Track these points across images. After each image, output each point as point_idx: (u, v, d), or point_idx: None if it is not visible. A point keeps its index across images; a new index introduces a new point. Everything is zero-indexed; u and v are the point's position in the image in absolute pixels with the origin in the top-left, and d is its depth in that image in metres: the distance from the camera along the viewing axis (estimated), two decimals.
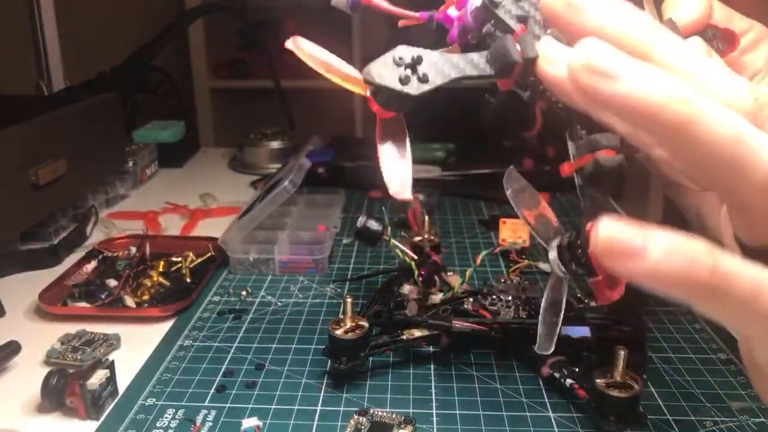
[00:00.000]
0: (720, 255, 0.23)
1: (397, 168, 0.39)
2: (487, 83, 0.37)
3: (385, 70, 0.33)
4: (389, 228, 0.57)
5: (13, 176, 0.66)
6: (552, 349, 0.39)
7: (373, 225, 0.57)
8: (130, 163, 0.95)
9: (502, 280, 0.58)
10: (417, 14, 0.40)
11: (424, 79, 0.33)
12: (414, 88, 0.33)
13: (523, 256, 0.66)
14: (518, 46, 0.33)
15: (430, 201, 0.84)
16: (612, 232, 0.23)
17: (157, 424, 0.42)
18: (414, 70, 0.33)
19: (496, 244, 0.69)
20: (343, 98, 1.99)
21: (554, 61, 0.29)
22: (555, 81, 0.29)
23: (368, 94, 0.35)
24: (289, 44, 0.37)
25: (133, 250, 0.69)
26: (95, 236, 0.76)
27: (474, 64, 0.34)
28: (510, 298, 0.53)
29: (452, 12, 0.39)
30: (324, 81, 0.39)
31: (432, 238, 0.64)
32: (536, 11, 0.35)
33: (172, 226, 0.80)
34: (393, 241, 0.56)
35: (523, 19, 0.34)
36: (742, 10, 0.43)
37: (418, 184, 0.88)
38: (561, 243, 0.38)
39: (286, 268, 0.65)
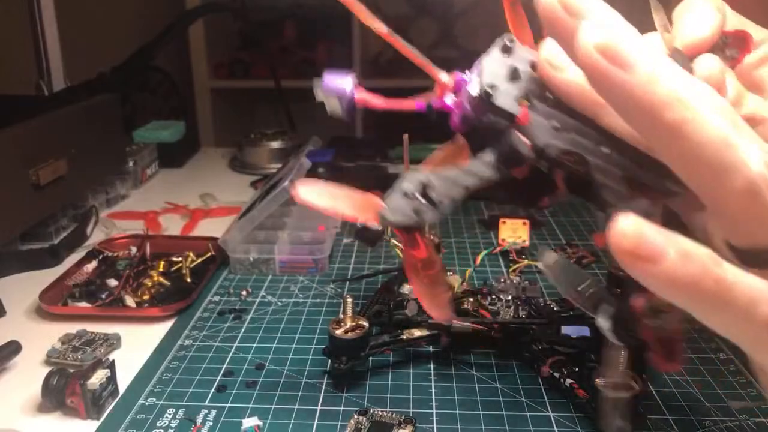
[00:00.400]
0: (723, 263, 0.23)
1: (429, 288, 0.38)
2: None
3: (398, 207, 0.33)
4: (389, 228, 0.57)
5: (13, 176, 0.66)
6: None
7: (373, 225, 0.57)
8: (131, 163, 0.95)
9: (502, 280, 0.58)
10: (414, 103, 0.39)
11: (437, 204, 0.33)
12: (429, 216, 0.33)
13: (523, 256, 0.66)
14: (524, 139, 0.33)
15: None
16: (638, 231, 0.23)
17: (158, 424, 0.42)
18: (426, 197, 0.33)
19: (496, 244, 0.69)
20: None
21: (560, 67, 0.30)
22: (562, 86, 0.30)
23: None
24: (295, 193, 0.36)
25: (134, 250, 0.69)
26: (95, 236, 0.76)
27: (487, 165, 0.34)
28: (510, 298, 0.53)
29: (449, 100, 0.38)
30: None
31: (432, 238, 0.64)
32: (534, 84, 0.34)
33: (172, 226, 0.80)
34: (393, 241, 0.57)
35: (524, 97, 0.34)
36: (744, 12, 0.42)
37: None
38: (612, 317, 0.36)
39: (287, 268, 0.65)
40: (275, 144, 1.07)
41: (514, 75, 0.34)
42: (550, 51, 0.31)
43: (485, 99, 0.34)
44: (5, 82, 1.05)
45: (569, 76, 0.29)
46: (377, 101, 0.39)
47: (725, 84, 0.37)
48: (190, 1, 1.80)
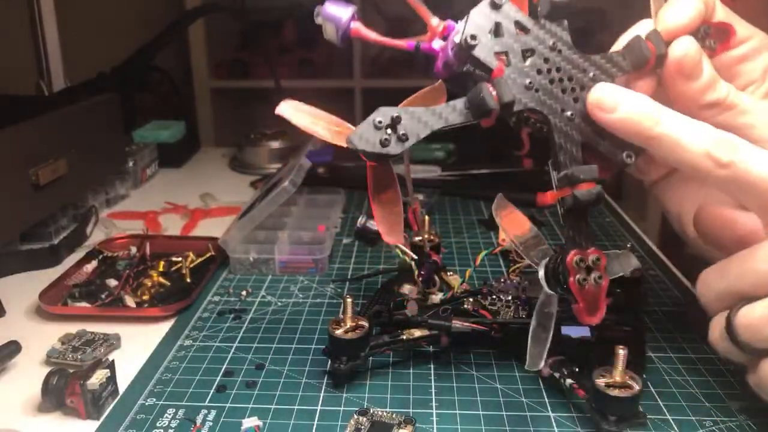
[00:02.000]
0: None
1: (387, 214, 0.42)
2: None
3: (366, 135, 0.36)
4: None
5: (13, 176, 0.66)
6: (541, 365, 0.40)
7: (373, 225, 0.58)
8: (131, 163, 0.95)
9: (502, 280, 0.58)
10: (405, 43, 0.41)
11: (403, 138, 0.36)
12: (393, 148, 0.36)
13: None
14: (494, 92, 0.36)
15: (430, 201, 0.84)
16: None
17: (158, 424, 0.42)
18: (394, 130, 0.36)
19: (496, 244, 0.69)
20: (343, 98, 1.99)
21: (609, 109, 0.37)
22: (609, 125, 0.37)
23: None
24: (278, 109, 0.40)
25: (134, 250, 0.69)
26: (95, 236, 0.76)
27: (456, 111, 0.36)
28: (510, 298, 0.53)
29: (436, 44, 0.40)
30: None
31: (432, 238, 0.64)
32: (516, 42, 0.37)
33: (172, 226, 0.80)
34: None
35: (503, 53, 0.37)
36: (746, 15, 0.43)
37: (418, 184, 0.89)
38: (547, 265, 0.39)
39: (286, 268, 0.65)
40: (275, 144, 1.07)
41: (497, 30, 0.37)
42: (597, 97, 0.38)
43: (465, 48, 0.36)
44: (5, 82, 1.04)
45: (615, 116, 0.37)
46: (371, 34, 0.41)
47: (701, 65, 0.39)
48: (190, 1, 1.80)
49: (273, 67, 1.35)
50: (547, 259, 0.40)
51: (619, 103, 0.37)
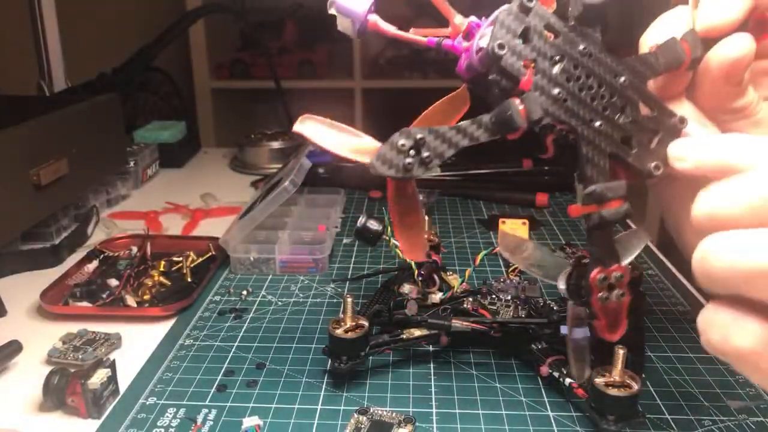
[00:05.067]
0: None
1: (408, 231, 0.41)
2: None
3: (390, 158, 0.34)
4: (389, 228, 0.57)
5: (14, 176, 0.66)
6: (588, 374, 0.41)
7: (373, 225, 0.58)
8: (131, 164, 0.95)
9: (502, 280, 0.58)
10: (425, 39, 0.39)
11: (427, 161, 0.34)
12: (416, 171, 0.34)
13: None
14: (521, 106, 0.33)
15: (429, 201, 0.84)
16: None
17: (158, 423, 0.43)
18: (418, 152, 0.34)
19: (496, 244, 0.69)
20: (343, 98, 1.99)
21: (683, 159, 0.35)
22: (686, 174, 0.35)
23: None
24: (297, 126, 0.37)
25: (134, 249, 0.69)
26: (96, 236, 0.76)
27: (481, 128, 0.34)
28: (509, 297, 0.53)
29: (460, 42, 0.38)
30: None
31: (432, 238, 0.64)
32: (546, 44, 0.35)
33: (173, 225, 0.81)
34: (393, 241, 0.57)
35: (532, 60, 0.34)
36: None
37: (418, 183, 0.89)
38: (568, 280, 0.39)
39: (287, 268, 0.65)
40: (275, 144, 1.07)
41: (526, 34, 0.34)
42: (674, 151, 0.36)
43: (492, 57, 0.34)
44: (6, 83, 1.05)
45: (688, 165, 0.35)
46: (389, 28, 0.39)
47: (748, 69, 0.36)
48: (191, 1, 1.80)
49: (273, 67, 1.36)
50: (567, 273, 0.39)
51: (689, 156, 0.35)
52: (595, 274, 0.36)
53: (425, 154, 0.34)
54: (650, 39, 0.38)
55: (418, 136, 0.34)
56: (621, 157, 0.36)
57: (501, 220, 0.70)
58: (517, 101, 0.34)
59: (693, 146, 0.35)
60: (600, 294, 0.36)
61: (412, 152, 0.34)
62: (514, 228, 0.69)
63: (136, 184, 0.96)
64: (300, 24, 1.99)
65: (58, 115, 0.76)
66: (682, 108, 0.38)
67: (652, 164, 0.37)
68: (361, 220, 0.58)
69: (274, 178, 0.79)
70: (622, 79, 0.36)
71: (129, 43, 1.20)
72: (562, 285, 0.40)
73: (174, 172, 1.06)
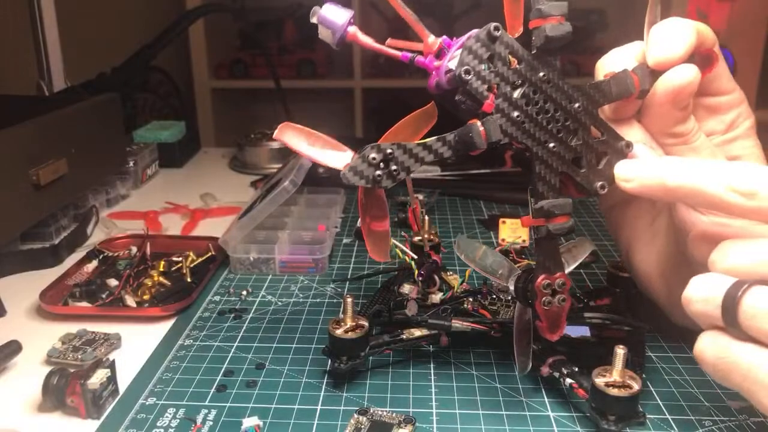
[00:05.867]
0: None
1: (375, 235, 0.44)
2: None
3: (360, 170, 0.37)
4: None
5: (13, 176, 0.66)
6: (529, 367, 0.44)
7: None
8: (131, 163, 0.95)
9: None
10: (400, 54, 0.42)
11: (395, 174, 0.37)
12: (385, 182, 0.37)
13: (523, 256, 0.66)
14: (482, 128, 0.37)
15: (430, 201, 0.84)
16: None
17: (158, 424, 0.43)
18: (387, 166, 0.37)
19: (496, 244, 0.69)
20: (343, 98, 1.99)
21: (629, 179, 0.39)
22: (633, 192, 0.39)
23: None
24: (277, 133, 0.40)
25: (134, 249, 0.69)
26: (96, 236, 0.76)
27: (445, 145, 0.38)
28: (509, 297, 0.53)
29: (432, 60, 0.41)
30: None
31: (432, 238, 0.64)
32: (509, 70, 0.38)
33: (172, 225, 0.81)
34: (393, 240, 0.57)
35: (496, 84, 0.38)
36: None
37: (418, 183, 0.89)
38: (516, 284, 0.43)
39: (287, 268, 0.65)
40: (275, 144, 1.07)
41: (492, 59, 0.37)
42: (621, 172, 0.39)
43: (458, 80, 0.37)
44: (6, 82, 1.05)
45: (633, 185, 0.39)
46: (367, 40, 0.42)
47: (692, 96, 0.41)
48: (190, 1, 1.80)
49: (273, 67, 1.36)
50: (516, 277, 0.43)
51: (632, 176, 0.39)
52: (540, 280, 0.40)
53: (393, 167, 0.37)
54: (606, 65, 0.43)
55: (388, 151, 0.37)
56: (571, 176, 0.40)
57: (501, 220, 0.70)
58: (479, 123, 0.37)
59: (636, 168, 0.39)
60: (543, 299, 0.40)
61: (381, 165, 0.37)
62: (515, 228, 0.69)
63: (136, 184, 0.96)
64: (300, 23, 2.00)
65: (57, 115, 0.76)
66: (633, 131, 0.43)
67: (599, 183, 0.41)
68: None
69: (273, 178, 0.79)
70: (577, 105, 0.40)
71: (129, 43, 1.20)
72: (511, 287, 0.43)
73: (174, 172, 1.06)
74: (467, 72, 0.37)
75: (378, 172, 0.37)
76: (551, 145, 0.39)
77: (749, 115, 0.45)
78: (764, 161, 0.45)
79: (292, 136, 0.40)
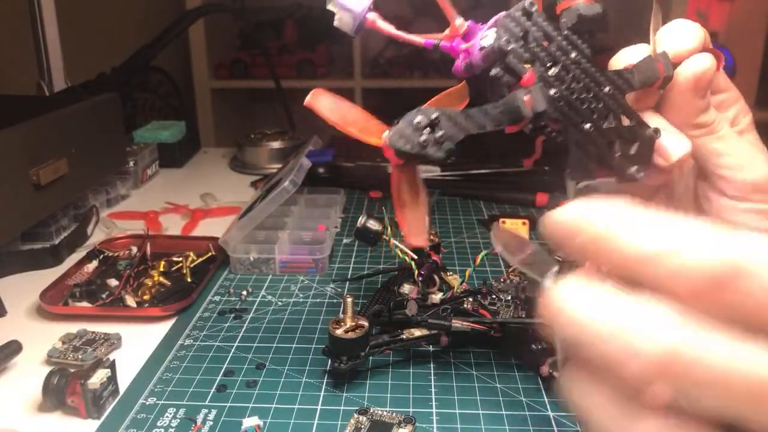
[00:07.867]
0: None
1: (412, 217, 0.41)
2: None
3: (405, 135, 0.35)
4: (389, 228, 0.57)
5: (14, 176, 0.66)
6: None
7: (373, 225, 0.58)
8: (131, 163, 0.95)
9: (502, 280, 0.58)
10: (422, 40, 0.41)
11: (440, 141, 0.35)
12: (432, 150, 0.35)
13: None
14: (526, 96, 0.36)
15: (429, 201, 0.84)
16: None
17: (158, 424, 0.43)
18: (433, 132, 0.35)
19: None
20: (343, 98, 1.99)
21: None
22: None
23: (383, 144, 0.37)
24: (309, 99, 0.38)
25: (134, 249, 0.69)
26: (96, 236, 0.76)
27: (488, 116, 0.36)
28: (509, 297, 0.53)
29: (458, 43, 0.40)
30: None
31: (432, 238, 0.64)
32: (542, 51, 0.37)
33: (172, 225, 0.81)
34: (393, 241, 0.57)
35: (530, 62, 0.37)
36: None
37: None
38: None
39: (287, 268, 0.65)
40: (275, 144, 1.07)
41: (526, 38, 0.36)
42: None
43: (498, 53, 0.36)
44: (6, 82, 1.05)
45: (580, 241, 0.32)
46: (386, 27, 0.40)
47: (711, 84, 0.40)
48: (190, 1, 1.80)
49: (273, 67, 1.36)
50: (555, 272, 0.40)
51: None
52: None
53: (439, 133, 0.35)
54: (623, 59, 0.43)
55: (434, 115, 0.35)
56: (607, 159, 0.39)
57: (501, 220, 0.70)
58: (523, 91, 0.35)
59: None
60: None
61: (427, 130, 0.35)
62: (514, 228, 0.69)
63: (136, 184, 0.96)
64: (300, 24, 1.99)
65: (57, 115, 0.76)
66: (655, 120, 0.42)
67: (634, 168, 0.40)
68: (361, 220, 0.58)
69: (273, 178, 0.79)
70: (607, 88, 0.39)
71: (129, 43, 1.20)
72: (548, 283, 0.41)
73: (174, 172, 1.06)
74: (508, 42, 0.36)
75: (424, 137, 0.35)
76: (587, 126, 0.38)
77: (748, 111, 0.45)
78: (766, 155, 0.46)
79: (326, 104, 0.38)
